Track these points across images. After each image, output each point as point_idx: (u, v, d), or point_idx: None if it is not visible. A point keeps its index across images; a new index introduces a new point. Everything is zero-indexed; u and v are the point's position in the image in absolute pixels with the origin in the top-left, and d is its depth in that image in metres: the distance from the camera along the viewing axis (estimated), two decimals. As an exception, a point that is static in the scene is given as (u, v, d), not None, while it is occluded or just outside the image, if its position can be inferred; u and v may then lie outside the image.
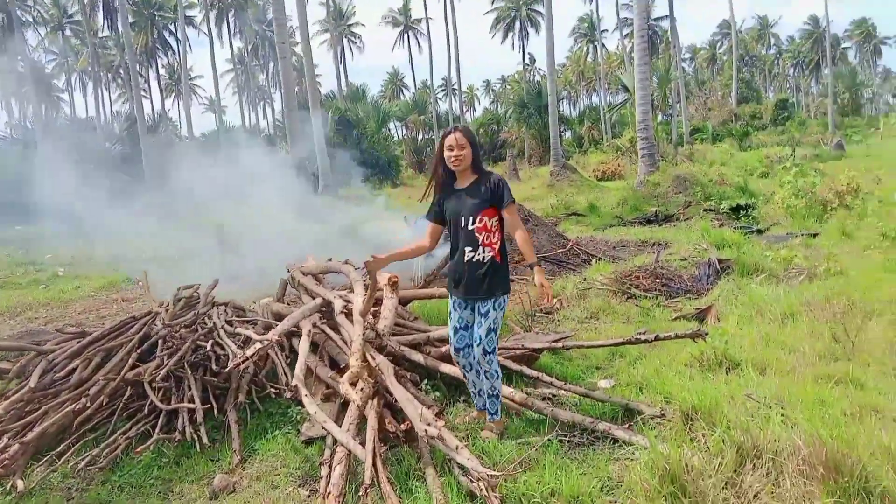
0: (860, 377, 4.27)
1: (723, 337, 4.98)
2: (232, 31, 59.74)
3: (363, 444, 3.46)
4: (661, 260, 8.36)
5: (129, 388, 4.49)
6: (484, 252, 3.71)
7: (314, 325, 4.74)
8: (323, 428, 3.57)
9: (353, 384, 3.53)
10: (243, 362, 3.62)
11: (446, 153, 3.74)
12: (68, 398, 4.35)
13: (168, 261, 13.00)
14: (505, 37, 63.82)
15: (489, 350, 3.77)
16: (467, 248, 3.75)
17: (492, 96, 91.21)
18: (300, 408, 4.36)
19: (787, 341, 5.17)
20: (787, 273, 7.58)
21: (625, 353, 5.25)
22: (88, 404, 4.17)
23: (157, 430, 4.16)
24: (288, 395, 3.55)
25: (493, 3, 62.94)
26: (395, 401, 3.82)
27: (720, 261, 8.03)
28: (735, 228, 11.44)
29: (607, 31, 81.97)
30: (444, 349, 4.74)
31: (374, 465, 3.28)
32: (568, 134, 52.67)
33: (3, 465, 3.76)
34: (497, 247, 3.74)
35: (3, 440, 3.99)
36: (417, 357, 4.77)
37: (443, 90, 68.03)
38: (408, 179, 42.10)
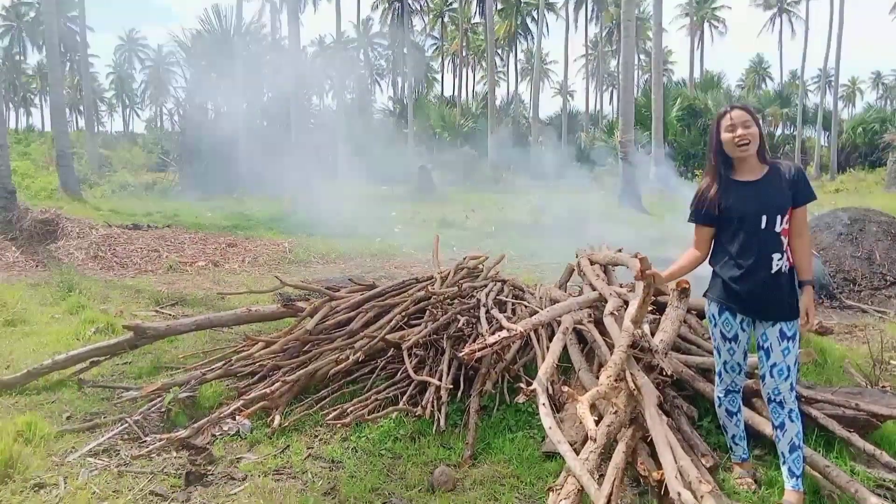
0: None
1: None
2: (588, 17, 60.34)
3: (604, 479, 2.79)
4: None
5: (391, 348, 4.47)
6: (786, 261, 2.88)
7: (578, 323, 4.11)
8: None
9: (593, 406, 2.85)
10: (481, 350, 3.19)
11: (726, 135, 2.89)
12: (338, 347, 4.49)
13: (480, 232, 13.54)
14: (911, 18, 52.60)
15: (795, 385, 2.94)
16: (775, 256, 2.85)
17: (880, 91, 76.69)
18: (555, 412, 3.83)
19: None
20: None
21: None
22: (349, 357, 4.23)
23: (403, 398, 4.05)
24: (522, 398, 3.02)
25: (901, -23, 52.21)
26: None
27: None
28: None
29: None
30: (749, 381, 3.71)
31: (605, 513, 2.59)
32: None
33: (268, 398, 3.99)
34: (789, 254, 2.92)
35: (278, 374, 4.28)
36: (703, 386, 3.82)
37: (815, 82, 59.21)
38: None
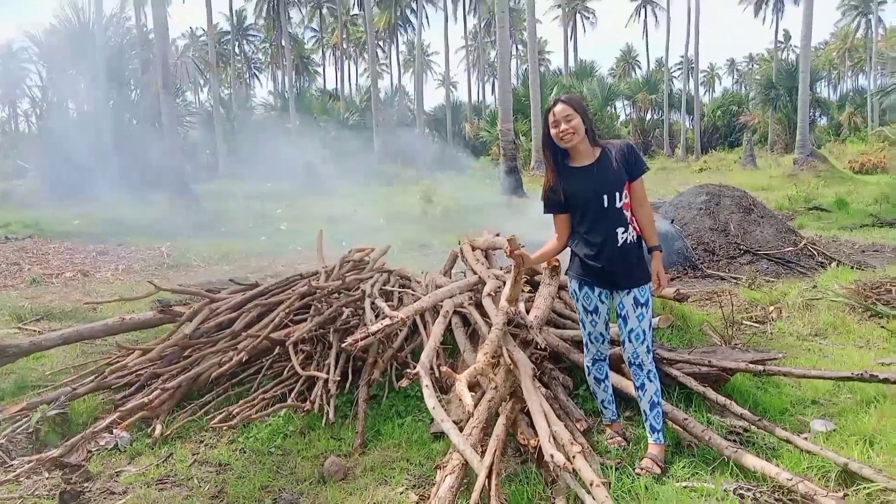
0: None
1: None
2: (467, 9, 61.24)
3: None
4: (928, 274, 6.56)
5: (276, 347, 4.42)
6: (632, 232, 3.14)
7: (459, 306, 4.26)
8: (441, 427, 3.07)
9: (476, 384, 2.98)
10: (364, 339, 3.24)
11: (552, 130, 3.12)
12: (221, 349, 4.38)
13: (369, 226, 13.53)
14: (757, 11, 57.32)
15: (651, 348, 3.20)
16: (619, 230, 3.11)
17: (735, 76, 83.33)
18: (442, 394, 3.95)
19: None
20: None
21: (857, 388, 4.02)
22: (232, 359, 4.14)
23: (292, 395, 4.02)
24: (405, 382, 3.10)
25: (745, -28, 56.81)
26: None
27: None
28: None
29: (886, 2, 69.83)
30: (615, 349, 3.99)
31: (487, 482, 2.73)
32: (824, 120, 46.17)
33: (148, 408, 3.85)
34: (634, 224, 3.18)
35: (157, 382, 4.12)
36: (578, 357, 4.06)
37: (679, 68, 63.42)
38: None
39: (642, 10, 65.54)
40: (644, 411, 3.20)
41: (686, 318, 5.29)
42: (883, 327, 5.33)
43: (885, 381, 3.27)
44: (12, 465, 3.38)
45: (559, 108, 3.09)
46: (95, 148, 22.23)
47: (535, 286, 4.77)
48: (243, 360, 4.16)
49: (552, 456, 2.61)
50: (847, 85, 65.90)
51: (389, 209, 16.79)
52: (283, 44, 48.05)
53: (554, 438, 2.82)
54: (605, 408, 3.51)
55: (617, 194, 3.08)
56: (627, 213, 3.12)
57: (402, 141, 37.85)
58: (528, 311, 4.07)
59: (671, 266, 8.00)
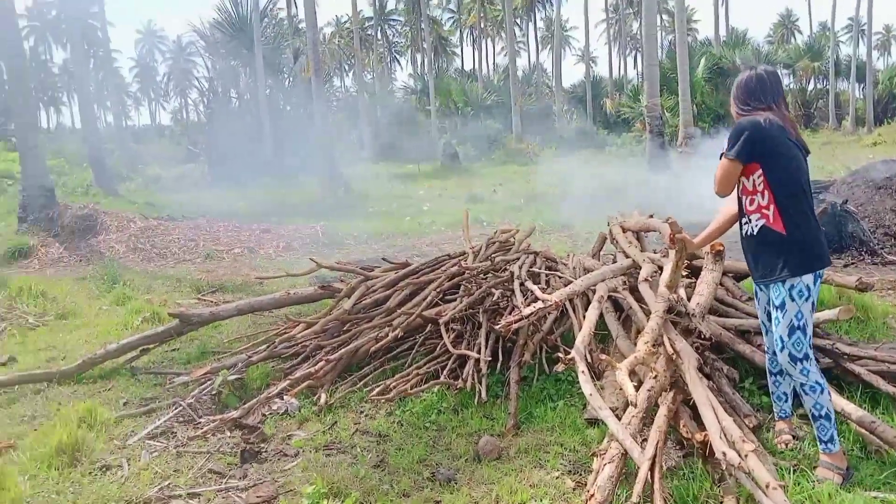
0: None
1: None
2: (610, -21, 59.02)
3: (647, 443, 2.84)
4: None
5: (428, 324, 4.55)
6: (752, 221, 2.88)
7: (613, 291, 4.13)
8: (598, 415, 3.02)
9: (632, 373, 2.89)
10: (517, 322, 3.24)
11: None
12: (377, 325, 4.58)
13: (508, 205, 13.52)
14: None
15: (798, 356, 2.82)
16: (742, 220, 2.96)
17: (918, 37, 73.80)
18: (596, 380, 3.88)
19: None
20: None
21: None
22: (388, 335, 4.32)
23: (444, 372, 4.13)
24: (560, 367, 3.07)
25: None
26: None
27: None
28: None
29: None
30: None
31: (650, 475, 2.65)
32: None
33: (313, 377, 4.11)
34: (771, 211, 2.80)
35: (321, 353, 4.40)
36: (743, 348, 3.83)
37: (847, 32, 57.20)
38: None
39: (806, -31, 59.61)
40: (815, 421, 2.92)
41: (868, 310, 4.81)
42: None
43: None
44: (200, 423, 3.76)
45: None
46: (254, 134, 23.98)
47: (695, 272, 4.53)
48: (398, 336, 4.31)
49: (724, 454, 2.48)
50: None
51: (529, 189, 16.69)
52: (423, 27, 48.92)
53: (724, 434, 2.67)
54: (776, 402, 3.28)
55: (740, 182, 2.91)
56: (744, 202, 2.91)
57: (540, 119, 37.40)
58: (688, 299, 3.89)
59: (844, 251, 7.30)
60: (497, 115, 36.66)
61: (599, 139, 33.80)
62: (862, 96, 42.07)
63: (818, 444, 2.92)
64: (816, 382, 2.85)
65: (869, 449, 3.05)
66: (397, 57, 70.80)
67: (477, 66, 59.06)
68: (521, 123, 33.47)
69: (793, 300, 2.80)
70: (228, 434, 3.63)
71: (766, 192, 2.82)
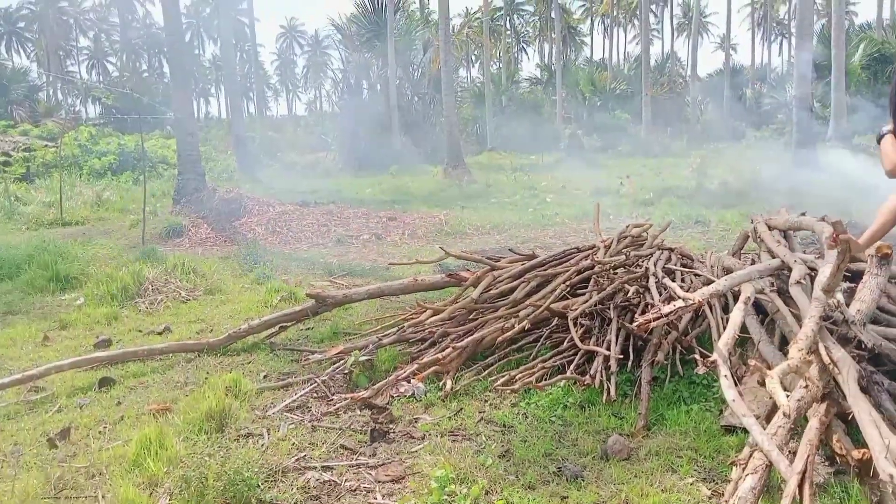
0: None
1: None
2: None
3: (794, 456, 2.64)
4: None
5: (555, 318, 4.48)
6: None
7: (759, 292, 3.86)
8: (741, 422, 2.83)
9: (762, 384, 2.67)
10: (655, 320, 3.11)
11: None
12: (502, 315, 4.58)
13: (637, 199, 13.04)
14: None
15: None
16: None
17: None
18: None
19: None
20: None
21: None
22: (514, 326, 4.30)
23: (571, 367, 4.06)
24: (701, 370, 2.91)
25: None
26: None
27: None
28: None
29: None
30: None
31: (798, 492, 2.46)
32: None
33: (440, 363, 4.18)
34: None
35: (447, 340, 4.46)
36: (908, 361, 3.46)
37: None
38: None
39: None
40: None
41: None
42: None
43: None
44: (332, 400, 3.93)
45: None
46: (384, 123, 24.73)
47: (852, 276, 4.15)
48: (524, 328, 4.28)
49: (891, 476, 2.24)
50: None
51: (659, 182, 16.03)
52: (552, 15, 48.18)
53: (889, 454, 2.42)
54: None
55: None
56: None
57: (673, 110, 35.78)
58: (846, 305, 3.56)
59: None
60: (627, 106, 35.50)
61: (738, 131, 31.82)
62: None
63: None
64: None
65: None
66: (525, 47, 70.27)
67: (607, 54, 57.39)
68: (651, 114, 32.17)
69: None
70: (359, 412, 3.77)
71: None
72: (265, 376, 4.43)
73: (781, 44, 66.70)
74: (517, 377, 4.00)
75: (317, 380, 4.11)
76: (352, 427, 3.59)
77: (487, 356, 4.41)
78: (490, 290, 4.92)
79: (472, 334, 4.40)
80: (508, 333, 4.28)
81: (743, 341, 4.21)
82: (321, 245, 9.97)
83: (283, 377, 4.36)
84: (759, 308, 4.28)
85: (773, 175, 14.63)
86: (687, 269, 4.88)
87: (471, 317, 4.70)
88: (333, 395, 3.99)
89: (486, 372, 4.21)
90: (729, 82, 43.14)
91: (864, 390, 3.34)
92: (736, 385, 3.75)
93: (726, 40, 52.47)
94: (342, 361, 4.29)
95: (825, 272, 3.29)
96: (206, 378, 4.31)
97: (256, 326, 5.03)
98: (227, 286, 7.12)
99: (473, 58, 60.77)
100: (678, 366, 3.98)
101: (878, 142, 2.69)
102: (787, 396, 3.01)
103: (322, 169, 24.16)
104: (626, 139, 29.21)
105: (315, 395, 4.01)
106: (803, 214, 4.90)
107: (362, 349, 4.36)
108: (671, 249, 5.42)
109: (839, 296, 3.52)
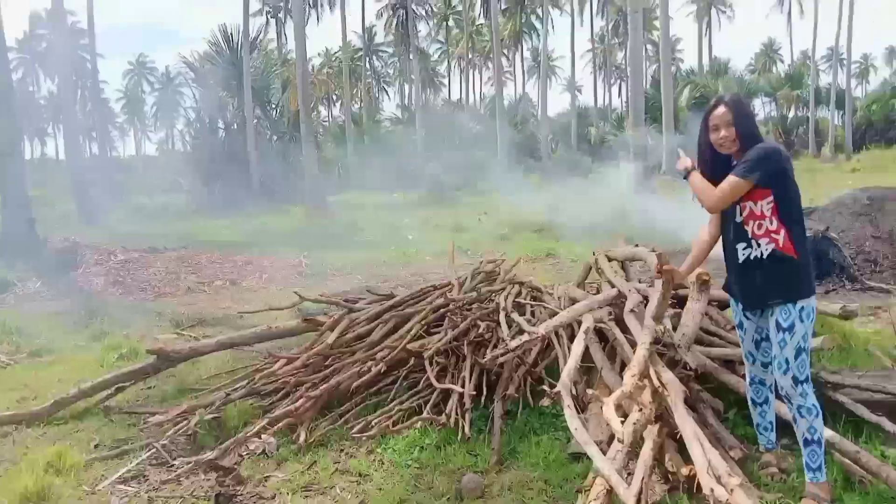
0: None
1: None
2: (594, 11, 60.12)
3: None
4: None
5: (412, 358, 4.47)
6: (760, 245, 2.84)
7: (599, 322, 4.09)
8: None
9: (617, 406, 2.82)
10: (503, 355, 3.18)
11: (711, 136, 2.89)
12: (360, 359, 4.49)
13: (494, 234, 13.52)
14: (920, -10, 51.62)
15: (801, 378, 2.81)
16: (738, 245, 2.90)
17: (895, 66, 75.59)
18: (581, 412, 3.80)
19: None
20: None
21: None
22: (371, 369, 4.23)
23: (427, 407, 4.04)
24: (546, 402, 3.01)
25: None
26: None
27: None
28: None
29: None
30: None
31: (635, 514, 2.57)
32: None
33: (293, 415, 4.01)
34: (781, 236, 2.80)
35: (301, 390, 4.29)
36: (728, 378, 3.78)
37: (826, 61, 58.46)
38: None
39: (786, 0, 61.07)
40: (801, 446, 2.89)
41: (849, 337, 4.79)
42: None
43: None
44: (174, 466, 3.63)
45: (720, 110, 2.86)
46: (241, 163, 23.95)
47: (680, 301, 4.50)
48: (381, 370, 4.23)
49: (712, 490, 2.41)
50: None
51: (514, 217, 16.71)
52: (411, 57, 49.45)
53: (711, 469, 2.61)
54: (761, 433, 3.24)
55: (737, 207, 2.87)
56: (750, 227, 2.85)
57: (526, 148, 37.68)
58: (674, 328, 3.86)
59: (825, 278, 7.32)
60: (484, 144, 36.93)
61: (584, 166, 34.07)
62: (841, 123, 42.85)
63: (806, 472, 2.88)
64: (813, 405, 2.83)
65: (852, 479, 3.01)
66: (385, 88, 71.45)
67: (464, 95, 59.64)
68: (506, 152, 33.70)
69: (801, 321, 2.79)
70: (203, 476, 3.52)
71: (774, 218, 2.82)
72: (97, 445, 4.02)
73: (620, 86, 72.81)
74: (373, 422, 3.93)
75: (156, 445, 3.79)
76: (194, 494, 3.34)
77: (345, 402, 4.30)
78: (347, 333, 4.82)
79: (328, 381, 4.27)
80: (365, 377, 4.20)
81: (590, 369, 4.42)
82: (169, 294, 9.36)
83: (117, 444, 3.98)
84: (603, 336, 4.52)
85: (617, 207, 15.73)
86: (535, 303, 5.06)
87: (327, 363, 4.56)
88: (175, 459, 3.69)
89: (343, 420, 4.09)
90: (576, 121, 46.34)
91: (693, 408, 3.61)
92: (583, 412, 3.94)
93: (572, 82, 56.44)
94: (185, 422, 4.00)
95: (654, 301, 3.54)
96: (25, 454, 3.84)
97: (88, 389, 4.58)
98: (57, 346, 6.46)
99: (335, 97, 60.82)
100: (529, 398, 4.09)
101: (685, 178, 2.96)
102: (626, 420, 3.19)
103: (175, 211, 22.88)
104: (483, 176, 30.29)
105: (154, 461, 3.69)
106: (637, 245, 5.28)
107: (208, 406, 4.09)
108: (522, 283, 5.61)
109: (667, 321, 3.82)
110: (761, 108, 50.41)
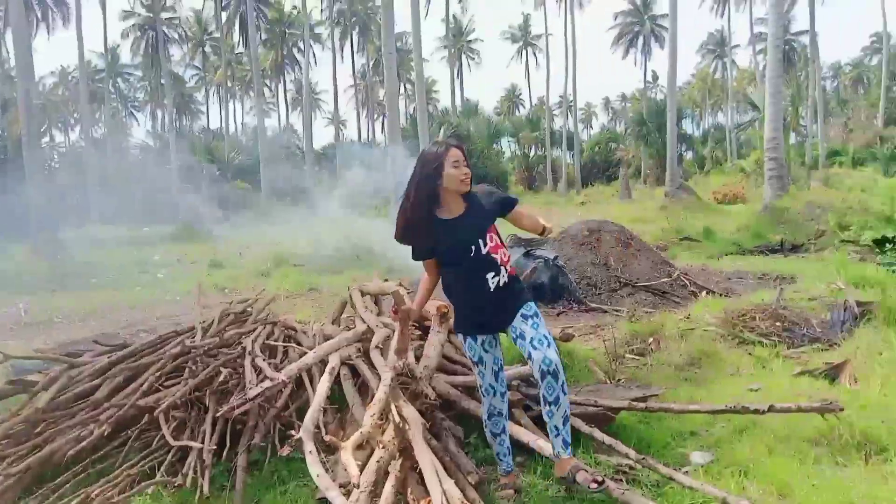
0: None
1: (862, 409, 3.87)
2: (355, 49, 61.72)
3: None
4: (784, 298, 7.09)
5: (146, 415, 4.06)
6: (502, 273, 3.13)
7: (347, 359, 4.10)
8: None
9: (364, 446, 2.84)
10: (240, 406, 3.02)
11: (455, 171, 3.04)
12: (81, 421, 3.97)
13: (256, 270, 13.04)
14: (627, 52, 61.52)
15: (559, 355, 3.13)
16: (489, 275, 3.11)
17: (610, 114, 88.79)
18: (331, 454, 3.74)
19: (951, 420, 3.94)
20: (949, 326, 6.11)
21: (731, 417, 4.21)
22: (93, 432, 3.75)
23: (162, 468, 3.68)
24: (286, 451, 2.91)
25: (616, 18, 61.10)
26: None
27: (859, 303, 6.65)
28: (879, 265, 9.77)
29: (739, 46, 77.90)
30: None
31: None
32: (690, 154, 50.03)
33: (-10, 496, 3.39)
34: (508, 262, 3.20)
35: (0, 466, 3.65)
36: (469, 404, 4.01)
37: (559, 107, 66.77)
38: (516, 194, 41.30)
39: (523, 52, 68.64)
40: (556, 427, 3.07)
41: (572, 355, 5.39)
42: (750, 354, 5.68)
43: (756, 411, 3.44)
44: None
45: (459, 152, 3.07)
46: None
47: (426, 330, 4.69)
48: (106, 432, 3.76)
49: (441, 520, 2.51)
50: (708, 121, 71.85)
51: (278, 251, 16.29)
52: (163, 82, 46.21)
53: (446, 497, 2.72)
54: (501, 460, 3.45)
55: (481, 241, 3.09)
56: (498, 256, 3.13)
57: (291, 180, 37.11)
58: (418, 360, 4.00)
59: (557, 301, 8.21)
60: (246, 176, 35.68)
61: (351, 199, 34.50)
62: (572, 162, 49.07)
63: (564, 449, 3.10)
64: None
65: (571, 487, 3.34)
66: (133, 112, 65.80)
67: (224, 125, 57.12)
68: (270, 184, 32.91)
69: (537, 310, 3.16)
70: None
71: (504, 246, 3.18)
72: None
73: (383, 121, 75.42)
74: (95, 494, 3.47)
75: None
76: None
77: (63, 473, 3.74)
78: (66, 392, 4.24)
79: (38, 451, 3.70)
80: (85, 442, 3.70)
81: (344, 406, 4.40)
82: None
83: None
84: (356, 372, 4.53)
85: (382, 238, 16.12)
86: (287, 344, 4.92)
87: (38, 430, 3.95)
88: None
89: (56, 495, 3.55)
90: (340, 154, 46.92)
91: (437, 437, 3.76)
92: (335, 452, 3.88)
93: (336, 117, 57.23)
94: None
95: (395, 337, 3.63)
96: None
97: None
98: None
99: (73, 120, 54.44)
100: (278, 445, 3.93)
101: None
102: (370, 459, 3.21)
103: None
104: (246, 209, 29.17)
105: None
106: (387, 280, 5.43)
107: None
108: (275, 323, 5.43)
109: (411, 355, 3.94)
110: (507, 147, 55.78)
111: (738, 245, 13.78)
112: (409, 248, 3.23)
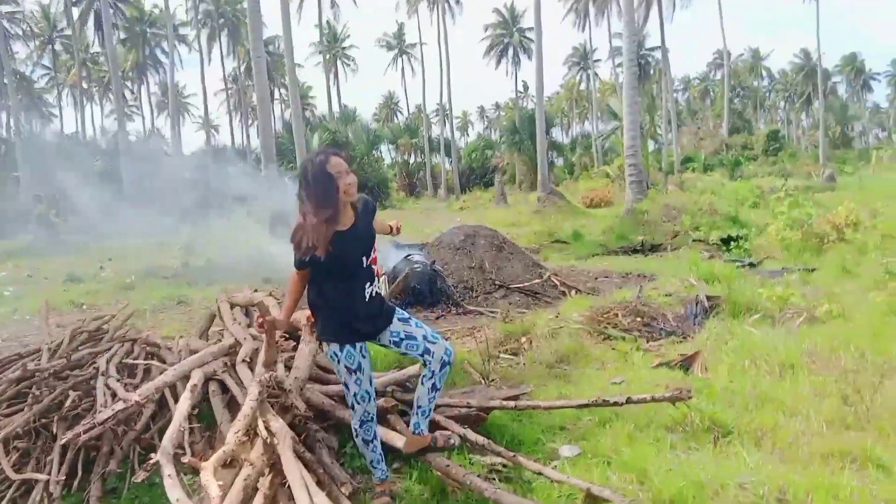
0: (881, 455, 3.47)
1: (711, 397, 4.21)
2: (224, 52, 59.31)
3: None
4: (644, 295, 7.59)
5: (-18, 448, 3.66)
6: (377, 282, 3.24)
7: (212, 375, 3.92)
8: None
9: (228, 465, 2.72)
10: (87, 431, 2.79)
11: (339, 181, 2.98)
12: None
13: (117, 284, 12.19)
14: (498, 63, 63.51)
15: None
16: (367, 285, 3.15)
17: (485, 122, 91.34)
18: (193, 476, 3.55)
19: (786, 400, 4.38)
20: (783, 314, 6.80)
21: (596, 410, 4.43)
22: (-85, 473, 3.34)
23: (2, 505, 3.34)
24: (141, 476, 2.72)
25: (486, 30, 62.92)
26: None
27: (709, 297, 7.26)
28: (726, 261, 10.71)
29: (601, 60, 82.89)
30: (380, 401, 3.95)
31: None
32: (560, 161, 52.39)
33: None
34: (381, 272, 3.43)
35: None
36: (343, 413, 3.94)
37: (436, 114, 67.80)
38: (398, 202, 41.45)
39: (399, 60, 69.00)
40: (429, 409, 3.39)
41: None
42: (614, 349, 6.02)
43: (615, 404, 3.64)
44: None
45: (341, 159, 3.01)
46: None
47: (298, 340, 4.58)
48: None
49: (310, 535, 2.45)
50: (576, 130, 75.80)
51: (143, 263, 15.32)
52: (6, 81, 42.09)
53: (313, 513, 2.66)
54: (375, 467, 3.42)
55: (367, 254, 3.15)
56: (375, 267, 3.20)
57: (158, 187, 35.03)
58: (290, 370, 3.89)
59: (435, 305, 8.31)
60: (106, 182, 33.19)
61: (224, 207, 33.13)
62: (451, 168, 49.95)
63: (421, 425, 3.38)
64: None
65: (447, 491, 3.39)
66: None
67: (80, 128, 52.98)
68: (137, 191, 30.86)
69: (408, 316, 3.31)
70: None
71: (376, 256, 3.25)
72: None
73: (257, 127, 72.94)
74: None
75: None
76: None
77: None
78: None
79: None
80: None
81: (213, 423, 4.19)
82: None
83: None
84: (225, 386, 4.33)
85: (255, 246, 15.56)
86: (148, 361, 4.63)
87: None
88: None
89: None
90: (213, 160, 44.89)
91: (311, 449, 3.67)
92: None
93: (206, 121, 54.78)
94: None
95: (262, 350, 3.52)
96: None
97: None
98: None
99: None
100: (137, 469, 3.68)
101: None
102: (238, 477, 3.07)
103: None
104: (107, 218, 27.20)
105: None
106: (256, 291, 5.25)
107: None
108: (134, 340, 5.11)
109: (280, 366, 3.83)
110: (387, 154, 55.90)
111: (603, 246, 14.60)
112: (289, 254, 3.15)
